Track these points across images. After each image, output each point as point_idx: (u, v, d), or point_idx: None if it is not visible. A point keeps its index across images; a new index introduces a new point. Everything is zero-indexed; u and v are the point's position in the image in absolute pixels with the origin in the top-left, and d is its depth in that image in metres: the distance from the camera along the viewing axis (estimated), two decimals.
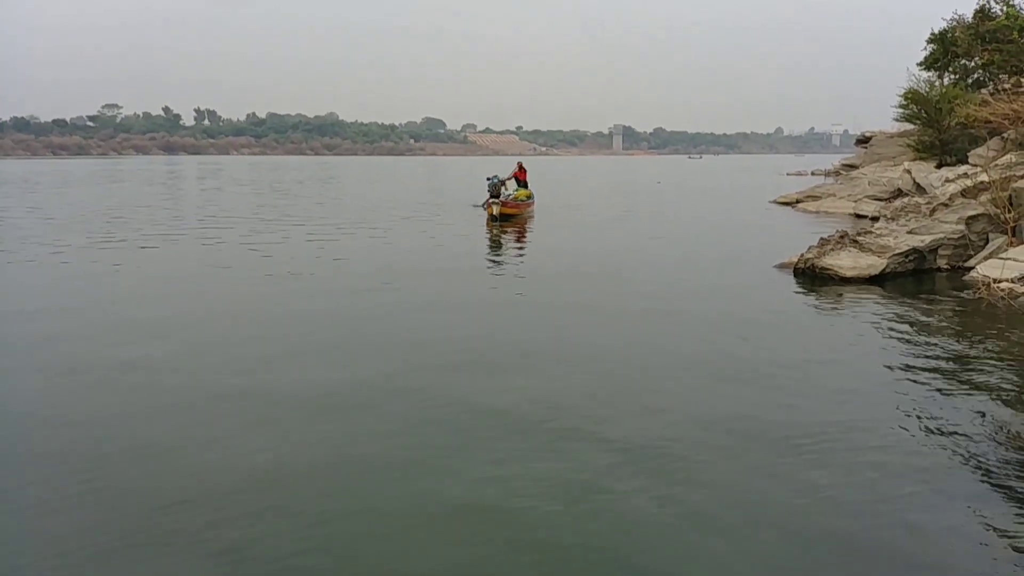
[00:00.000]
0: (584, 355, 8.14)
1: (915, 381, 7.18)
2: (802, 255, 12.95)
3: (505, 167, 28.98)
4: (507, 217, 21.75)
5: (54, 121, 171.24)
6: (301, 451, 5.59)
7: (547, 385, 7.12)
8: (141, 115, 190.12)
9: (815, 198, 29.01)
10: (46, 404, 6.64)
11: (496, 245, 17.70)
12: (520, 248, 17.50)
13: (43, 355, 8.13)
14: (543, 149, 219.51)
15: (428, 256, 15.70)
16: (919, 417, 6.24)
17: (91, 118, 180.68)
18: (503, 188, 22.59)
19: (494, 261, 15.33)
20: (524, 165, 25.75)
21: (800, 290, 11.81)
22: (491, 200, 21.83)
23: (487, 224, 20.96)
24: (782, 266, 13.38)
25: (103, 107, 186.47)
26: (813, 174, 54.08)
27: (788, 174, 59.43)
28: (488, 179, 22.90)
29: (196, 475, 5.17)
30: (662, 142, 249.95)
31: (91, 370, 7.59)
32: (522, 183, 24.76)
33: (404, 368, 7.63)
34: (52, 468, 5.32)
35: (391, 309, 10.43)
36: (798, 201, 29.26)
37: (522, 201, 23.57)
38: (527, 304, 10.94)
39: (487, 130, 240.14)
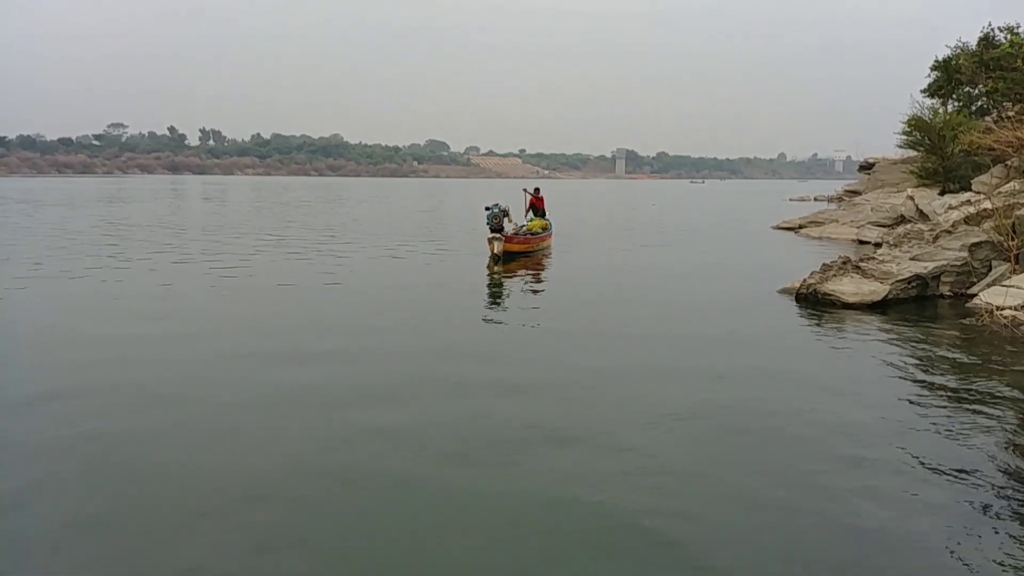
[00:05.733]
0: (591, 383, 8.04)
1: (917, 409, 7.07)
2: (804, 280, 12.88)
3: (508, 190, 27.69)
4: (514, 256, 18.33)
5: (60, 140, 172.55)
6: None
7: (561, 408, 7.08)
8: (146, 135, 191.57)
9: (818, 224, 29.04)
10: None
11: (496, 285, 15.14)
12: (521, 275, 16.77)
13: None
14: (546, 172, 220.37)
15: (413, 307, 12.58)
16: (921, 446, 6.12)
17: (96, 137, 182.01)
18: (507, 219, 18.92)
19: (494, 302, 14.75)
20: (541, 191, 22.15)
21: (802, 315, 11.71)
22: (491, 236, 18.19)
23: (488, 266, 17.33)
24: (784, 291, 13.30)
25: (108, 126, 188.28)
26: (816, 200, 54.19)
27: (791, 200, 59.59)
28: (487, 208, 18.78)
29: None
30: (665, 166, 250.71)
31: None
32: (539, 212, 21.49)
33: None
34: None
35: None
36: (801, 227, 29.29)
37: (535, 234, 20.07)
38: (536, 330, 10.90)
39: (490, 152, 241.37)
